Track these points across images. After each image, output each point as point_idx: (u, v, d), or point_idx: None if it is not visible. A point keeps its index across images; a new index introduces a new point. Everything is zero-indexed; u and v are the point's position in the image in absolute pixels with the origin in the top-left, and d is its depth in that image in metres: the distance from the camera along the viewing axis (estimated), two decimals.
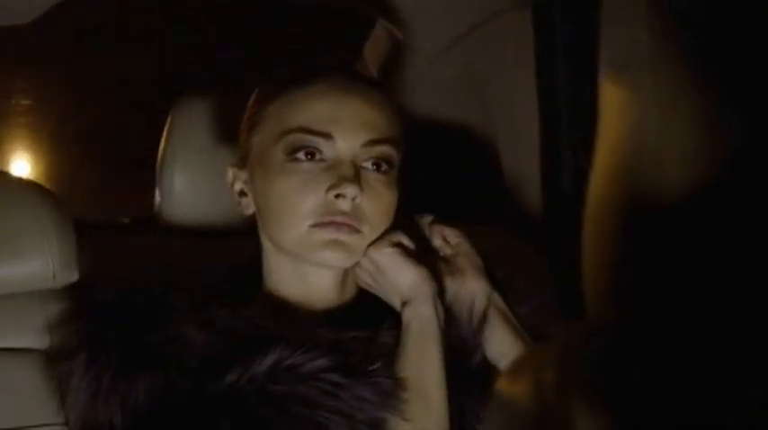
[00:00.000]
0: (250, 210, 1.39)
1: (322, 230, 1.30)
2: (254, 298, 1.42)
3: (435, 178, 1.99)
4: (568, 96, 1.97)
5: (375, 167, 1.33)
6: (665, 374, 0.73)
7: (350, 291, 1.42)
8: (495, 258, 1.54)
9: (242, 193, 1.40)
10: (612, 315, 0.81)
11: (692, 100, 0.80)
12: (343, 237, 1.30)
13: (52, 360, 1.49)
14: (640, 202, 0.80)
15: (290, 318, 1.33)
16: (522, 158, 1.98)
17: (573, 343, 0.88)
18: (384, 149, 1.34)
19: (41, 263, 1.45)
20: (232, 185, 1.41)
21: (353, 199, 1.29)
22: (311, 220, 1.30)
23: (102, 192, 2.49)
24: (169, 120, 1.59)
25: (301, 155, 1.31)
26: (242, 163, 1.39)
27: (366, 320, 1.37)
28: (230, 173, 1.41)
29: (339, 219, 1.30)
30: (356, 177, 1.30)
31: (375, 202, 1.32)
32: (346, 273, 1.39)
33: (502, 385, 0.91)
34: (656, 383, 0.73)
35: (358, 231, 1.31)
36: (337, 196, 1.30)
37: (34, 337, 1.50)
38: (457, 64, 1.94)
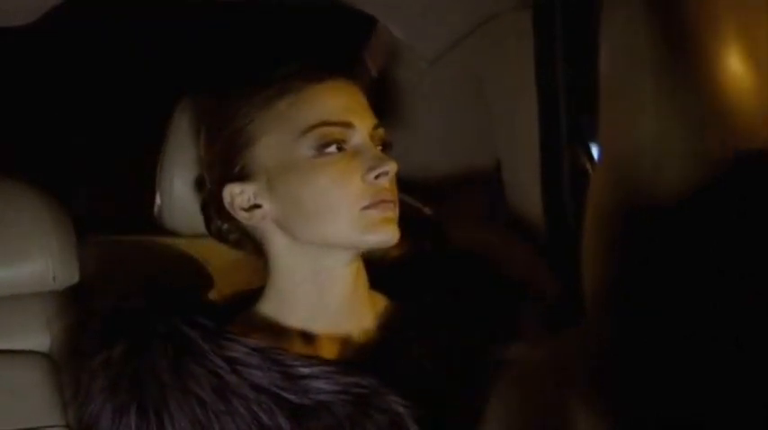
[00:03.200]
0: (267, 220, 1.39)
1: (373, 211, 1.36)
2: (261, 299, 1.43)
3: (434, 179, 1.99)
4: (568, 97, 1.97)
5: (382, 148, 1.40)
6: (665, 375, 0.73)
7: (362, 287, 1.43)
8: (496, 256, 1.55)
9: (253, 207, 1.39)
10: (612, 317, 0.81)
11: (690, 102, 0.80)
12: (390, 213, 1.37)
13: (54, 362, 1.49)
14: (639, 204, 0.80)
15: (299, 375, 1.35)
16: (521, 159, 1.98)
17: (573, 344, 0.88)
18: (383, 132, 1.41)
19: (42, 265, 1.45)
20: (231, 204, 1.40)
21: (391, 175, 1.35)
22: (361, 204, 1.35)
23: None
24: (170, 122, 1.59)
25: (332, 148, 1.35)
26: (242, 177, 1.40)
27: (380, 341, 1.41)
28: (227, 192, 1.41)
29: (387, 196, 1.35)
30: (386, 155, 1.37)
31: (392, 179, 1.38)
32: (359, 269, 1.41)
33: (503, 386, 0.91)
34: (655, 384, 0.73)
35: (395, 204, 1.37)
36: (378, 176, 1.35)
37: (35, 339, 1.50)
38: (456, 65, 1.94)
